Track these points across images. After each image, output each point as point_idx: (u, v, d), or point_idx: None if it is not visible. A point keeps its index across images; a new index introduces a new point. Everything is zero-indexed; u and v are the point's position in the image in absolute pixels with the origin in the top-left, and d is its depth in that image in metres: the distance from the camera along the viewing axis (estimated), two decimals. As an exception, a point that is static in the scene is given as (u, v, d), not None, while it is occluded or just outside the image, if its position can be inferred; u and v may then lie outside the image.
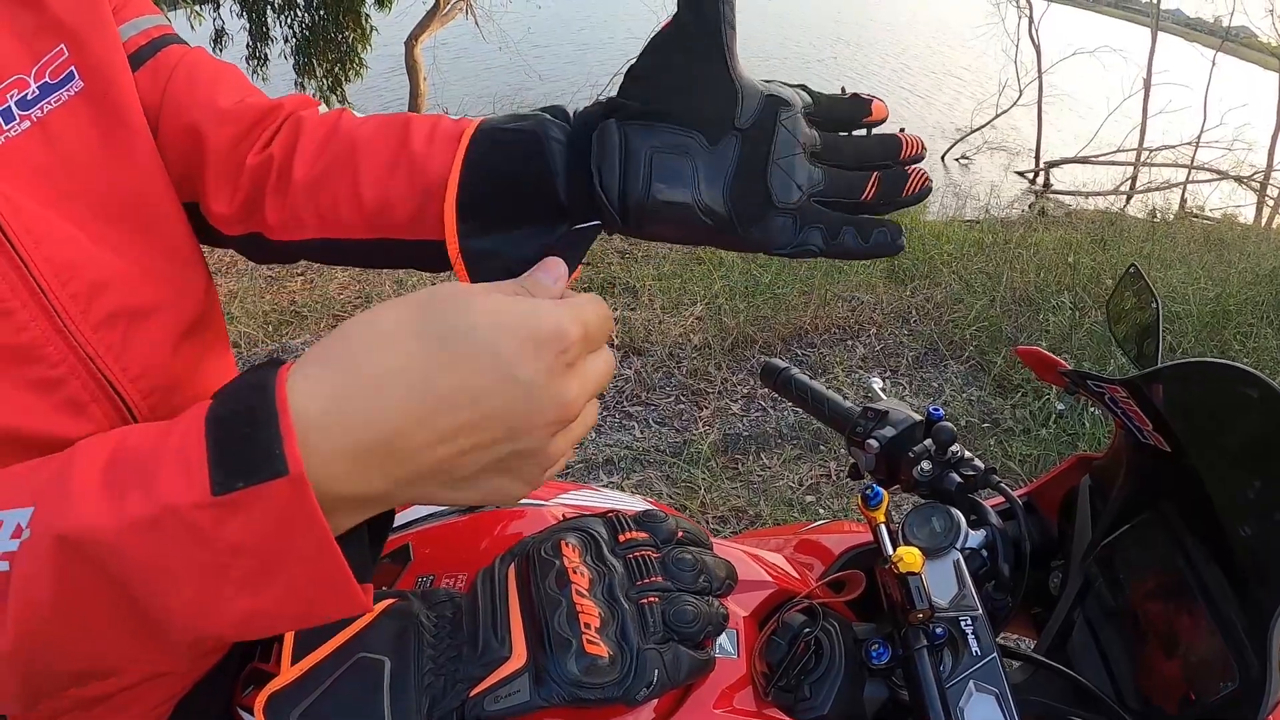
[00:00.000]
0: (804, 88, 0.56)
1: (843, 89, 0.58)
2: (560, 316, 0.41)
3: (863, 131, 0.58)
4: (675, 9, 0.55)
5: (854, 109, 0.56)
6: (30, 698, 0.41)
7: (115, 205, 0.65)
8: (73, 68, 0.62)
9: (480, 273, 0.58)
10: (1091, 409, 2.96)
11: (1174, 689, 0.83)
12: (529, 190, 0.57)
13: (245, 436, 0.36)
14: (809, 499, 2.64)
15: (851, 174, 0.55)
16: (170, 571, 0.36)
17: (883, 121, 0.57)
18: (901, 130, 0.56)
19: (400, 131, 0.64)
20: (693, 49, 0.54)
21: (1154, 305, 1.00)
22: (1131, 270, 1.12)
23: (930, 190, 0.57)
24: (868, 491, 0.85)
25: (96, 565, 0.36)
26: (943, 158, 8.65)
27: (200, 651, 0.42)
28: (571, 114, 0.61)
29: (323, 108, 0.75)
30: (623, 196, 0.55)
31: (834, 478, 2.72)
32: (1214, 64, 10.24)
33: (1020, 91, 9.21)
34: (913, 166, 0.56)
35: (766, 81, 0.56)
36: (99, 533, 0.36)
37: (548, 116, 0.60)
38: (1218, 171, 8.92)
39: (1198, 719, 0.80)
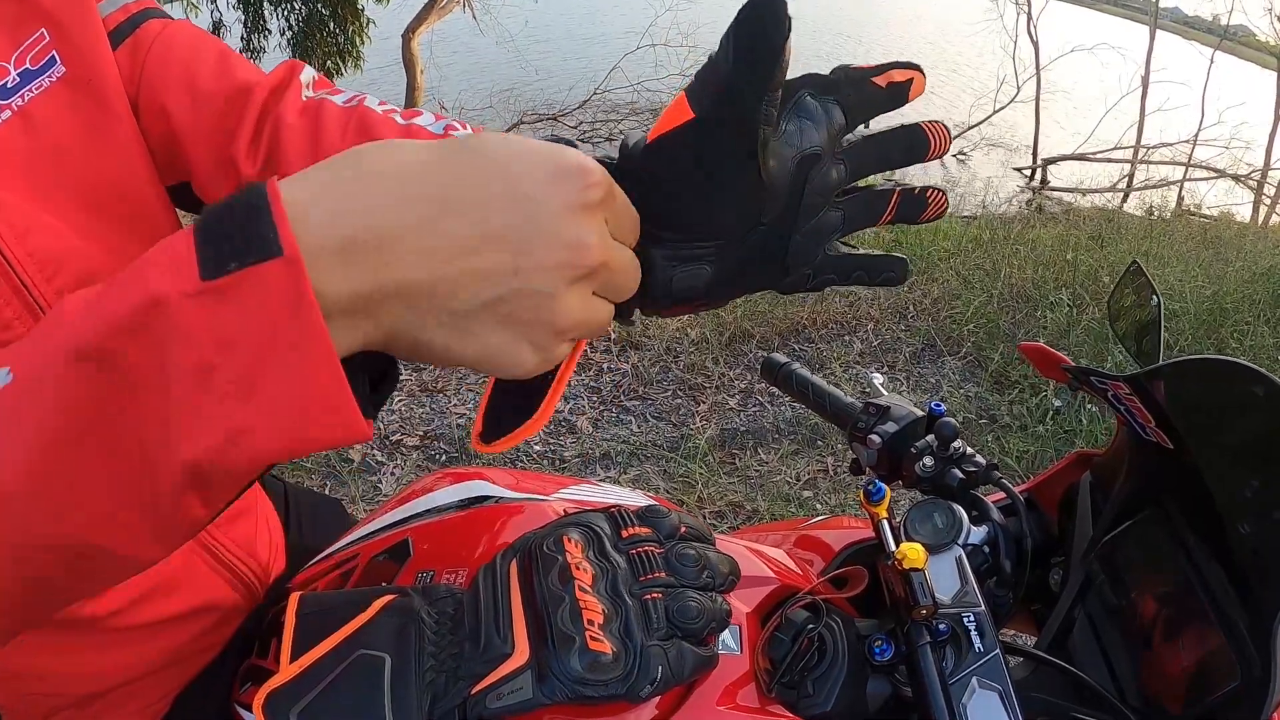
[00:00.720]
0: (844, 70, 0.49)
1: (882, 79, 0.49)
2: (587, 159, 0.39)
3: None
4: (695, 90, 0.46)
5: (891, 97, 0.49)
6: (15, 589, 0.38)
7: (99, 194, 0.63)
8: (54, 52, 0.60)
9: None
10: (1089, 405, 2.96)
11: (1175, 686, 0.83)
12: None
13: (237, 224, 0.33)
14: (806, 494, 2.64)
15: (870, 199, 0.51)
16: (156, 375, 0.33)
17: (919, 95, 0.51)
18: (930, 123, 0.51)
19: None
20: (717, 146, 0.45)
21: (1155, 302, 0.99)
22: (1133, 267, 1.12)
23: (946, 212, 0.53)
24: (870, 487, 0.84)
25: (76, 384, 0.34)
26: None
27: (184, 523, 0.38)
28: None
29: (308, 73, 0.73)
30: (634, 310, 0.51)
31: (831, 473, 2.72)
32: (1212, 62, 10.25)
33: (1018, 88, 9.21)
34: (932, 191, 0.52)
35: (799, 82, 0.48)
36: (82, 342, 0.33)
37: None
38: (1215, 170, 8.93)
39: (1199, 717, 0.80)
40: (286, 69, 0.73)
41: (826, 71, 0.49)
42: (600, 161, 0.47)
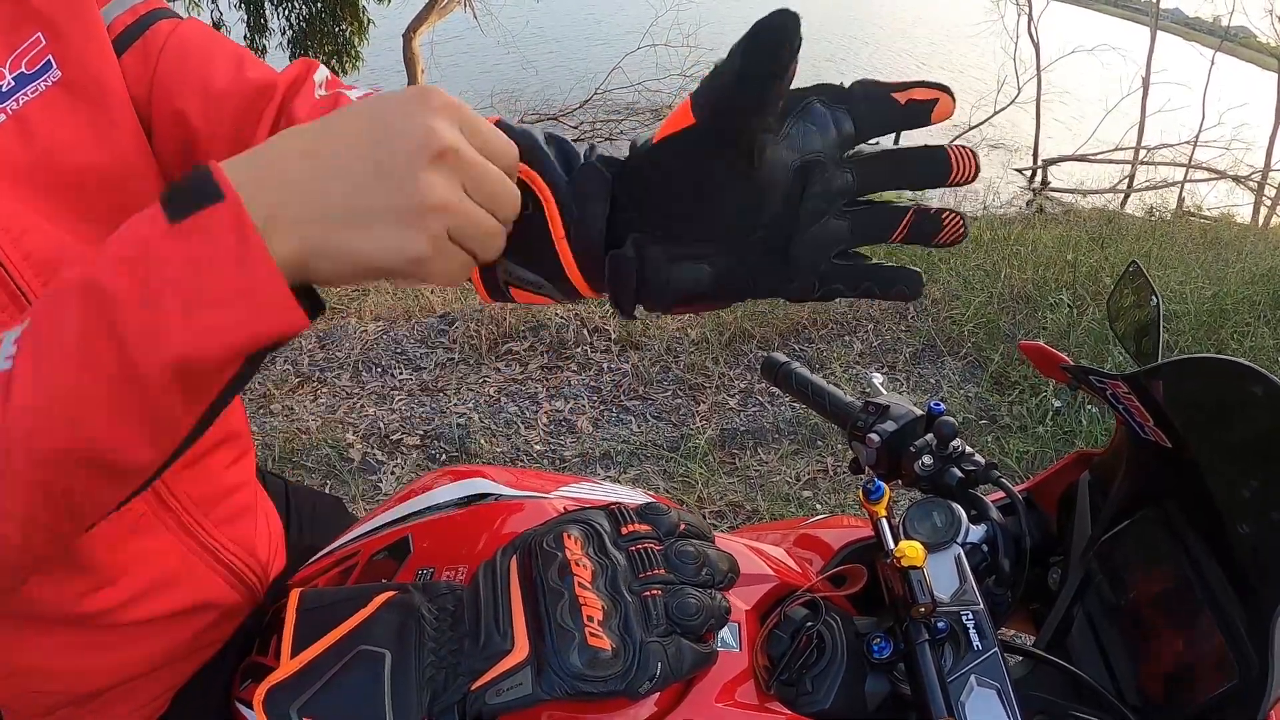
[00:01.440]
0: (862, 84, 0.49)
1: (906, 96, 0.48)
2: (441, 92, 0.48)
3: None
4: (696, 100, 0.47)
5: (908, 115, 0.48)
6: (35, 495, 0.46)
7: (97, 198, 0.63)
8: (50, 56, 0.61)
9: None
10: (1089, 406, 2.96)
11: (1173, 685, 0.83)
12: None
13: (191, 186, 0.44)
14: (806, 494, 2.64)
15: (882, 214, 0.51)
16: (142, 294, 0.43)
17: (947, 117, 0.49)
18: (958, 146, 0.49)
19: None
20: (716, 152, 0.48)
21: (1154, 302, 0.99)
22: (1131, 268, 1.12)
23: (965, 237, 0.52)
24: (869, 485, 0.84)
25: (85, 305, 0.43)
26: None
27: (173, 426, 0.48)
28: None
29: (322, 72, 0.73)
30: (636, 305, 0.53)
31: (831, 473, 2.72)
32: (1213, 63, 10.24)
33: (1019, 89, 9.21)
34: (948, 214, 0.51)
35: (802, 93, 0.48)
36: (87, 278, 0.43)
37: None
38: (1215, 171, 8.93)
39: (1197, 716, 0.80)
40: (301, 67, 0.73)
41: (839, 80, 0.49)
42: (608, 161, 0.51)
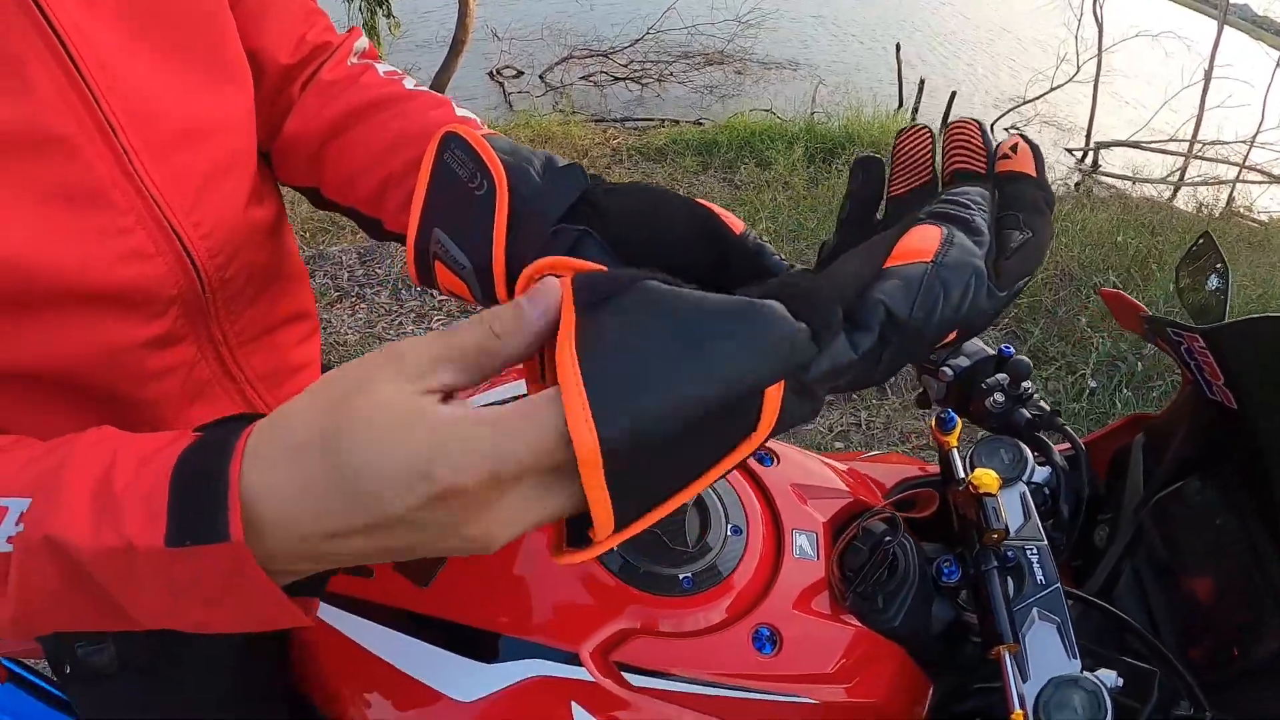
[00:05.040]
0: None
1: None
2: (452, 454, 0.36)
3: None
4: None
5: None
6: (17, 635, 0.46)
7: (196, 48, 0.60)
8: None
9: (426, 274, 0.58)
10: (1125, 389, 2.94)
11: (1216, 648, 0.84)
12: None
13: (201, 502, 0.39)
14: (838, 445, 2.64)
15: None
16: (136, 588, 0.41)
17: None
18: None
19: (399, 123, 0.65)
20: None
21: (1222, 269, 0.99)
22: (1203, 238, 1.11)
23: None
24: (943, 415, 0.85)
25: (77, 568, 0.40)
26: (992, 125, 8.50)
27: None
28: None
29: (362, 42, 0.74)
30: None
31: (864, 427, 2.72)
32: (1278, 65, 9.94)
33: (1079, 67, 8.98)
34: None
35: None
36: (76, 547, 0.40)
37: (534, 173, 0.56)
38: (1269, 174, 8.72)
39: (1236, 679, 0.80)
40: (348, 34, 0.74)
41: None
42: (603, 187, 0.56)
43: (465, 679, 0.66)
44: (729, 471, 0.38)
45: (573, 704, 0.65)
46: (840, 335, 0.40)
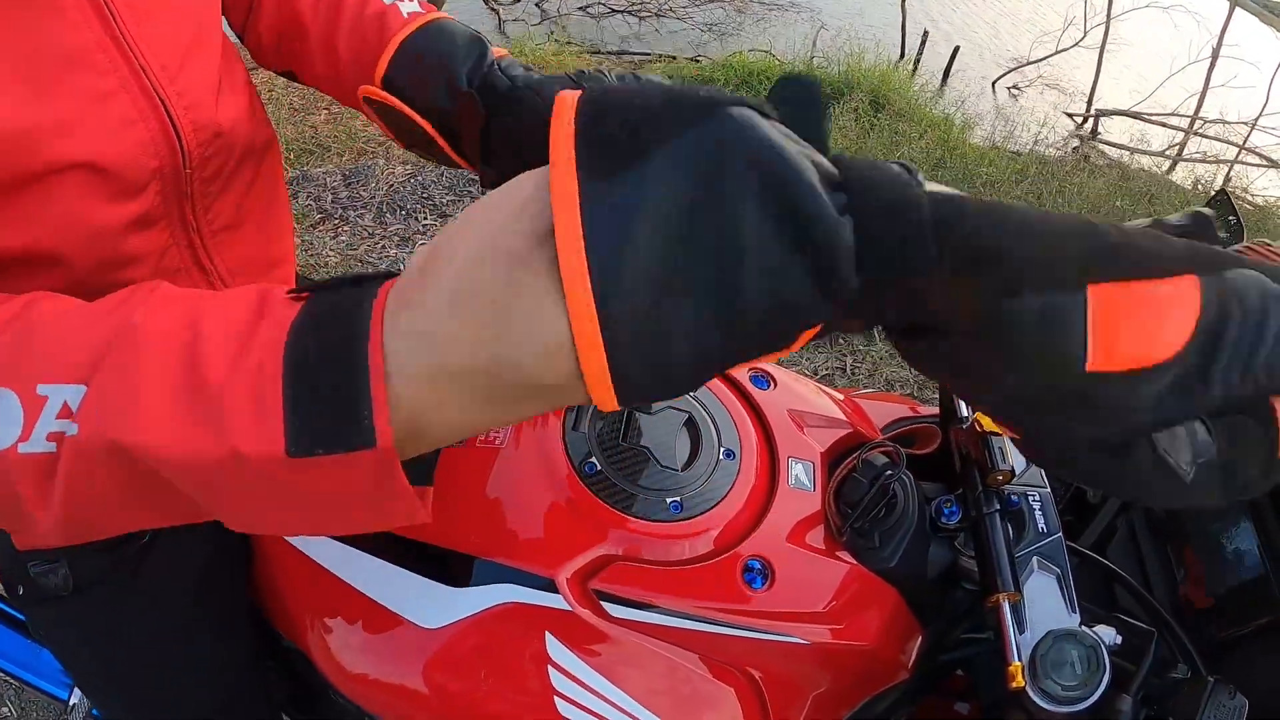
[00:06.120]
0: None
1: None
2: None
3: None
4: None
5: None
6: (64, 543, 0.39)
7: None
8: None
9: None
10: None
11: (1211, 608, 0.82)
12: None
13: (331, 405, 0.31)
14: (821, 392, 2.62)
15: None
16: (233, 498, 0.34)
17: None
18: None
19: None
20: None
21: (1236, 225, 0.95)
22: (1219, 194, 1.07)
23: None
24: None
25: (154, 476, 0.34)
26: (994, 84, 8.37)
27: None
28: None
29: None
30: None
31: (849, 371, 2.69)
32: (1287, 50, 9.85)
33: (1085, 32, 8.84)
34: None
35: None
36: (165, 455, 0.32)
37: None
38: (1267, 158, 8.70)
39: (1230, 642, 0.78)
40: None
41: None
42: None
43: (431, 604, 0.62)
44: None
45: (547, 634, 0.60)
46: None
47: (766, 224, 0.26)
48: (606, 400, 0.29)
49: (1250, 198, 7.67)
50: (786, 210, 0.26)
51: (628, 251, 0.26)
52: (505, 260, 0.29)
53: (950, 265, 0.27)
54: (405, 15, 0.69)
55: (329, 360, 0.31)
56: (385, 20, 0.68)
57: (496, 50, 0.69)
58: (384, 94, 0.66)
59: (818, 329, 0.29)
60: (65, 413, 0.33)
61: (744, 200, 0.26)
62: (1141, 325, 0.27)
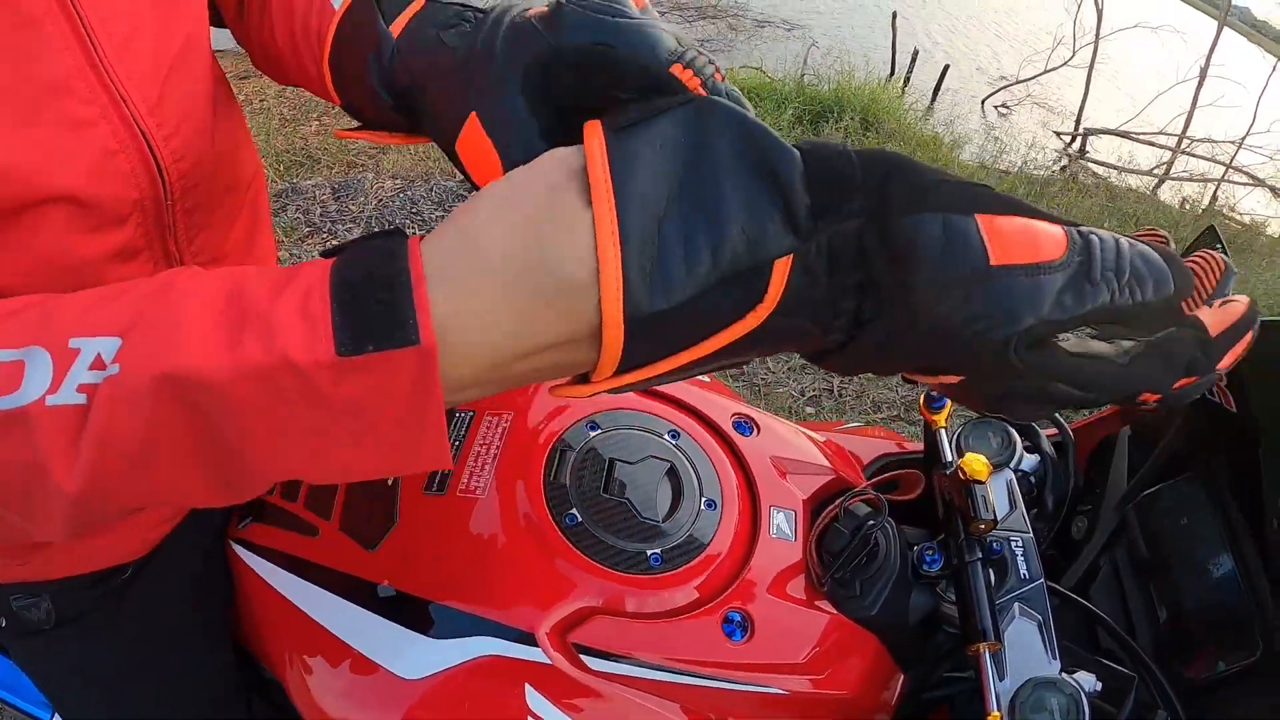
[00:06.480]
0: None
1: None
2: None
3: None
4: None
5: None
6: (71, 531, 0.39)
7: None
8: None
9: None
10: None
11: (1192, 649, 0.82)
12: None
13: (378, 304, 0.34)
14: (809, 410, 2.62)
15: None
16: (273, 422, 0.35)
17: None
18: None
19: None
20: None
21: (1227, 269, 0.96)
22: (1207, 231, 1.08)
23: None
24: (933, 393, 0.80)
25: (195, 408, 0.34)
26: (983, 102, 8.44)
27: (253, 495, 0.41)
28: None
29: None
30: None
31: (836, 393, 2.69)
32: (1275, 69, 9.94)
33: (1074, 51, 8.91)
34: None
35: None
36: (210, 375, 0.34)
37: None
38: (1254, 177, 8.77)
39: (1211, 684, 0.78)
40: None
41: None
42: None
43: (411, 654, 0.62)
44: (734, 349, 0.35)
45: (527, 687, 0.60)
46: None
47: (739, 160, 0.34)
48: (613, 308, 0.33)
49: (1238, 216, 7.73)
50: (755, 152, 0.34)
51: (640, 178, 0.34)
52: (545, 187, 0.35)
53: (867, 180, 0.35)
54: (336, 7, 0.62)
55: (372, 277, 0.34)
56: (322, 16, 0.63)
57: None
58: (353, 132, 0.60)
59: (786, 275, 0.34)
60: (98, 364, 0.34)
61: (723, 145, 0.34)
62: (1023, 233, 0.34)
